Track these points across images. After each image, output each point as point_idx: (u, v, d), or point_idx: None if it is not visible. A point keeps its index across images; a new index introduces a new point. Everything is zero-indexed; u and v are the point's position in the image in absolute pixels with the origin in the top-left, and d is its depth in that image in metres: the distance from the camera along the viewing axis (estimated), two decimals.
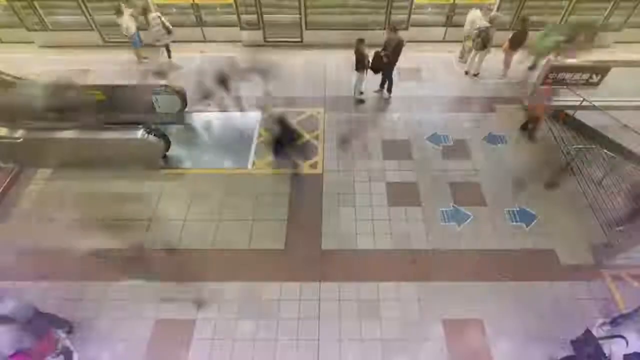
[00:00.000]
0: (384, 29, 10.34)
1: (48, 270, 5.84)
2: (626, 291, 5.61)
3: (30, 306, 4.52)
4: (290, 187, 6.94)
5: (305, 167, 7.39)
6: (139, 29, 9.64)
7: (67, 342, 4.92)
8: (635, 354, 3.85)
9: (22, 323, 4.32)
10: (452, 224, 6.48)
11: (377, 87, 9.18)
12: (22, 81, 7.69)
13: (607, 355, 4.10)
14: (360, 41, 7.88)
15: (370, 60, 8.17)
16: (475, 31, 8.88)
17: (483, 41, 8.83)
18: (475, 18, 9.18)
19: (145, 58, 10.21)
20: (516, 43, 9.03)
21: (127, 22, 9.23)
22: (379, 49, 8.18)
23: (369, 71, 8.37)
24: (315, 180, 7.17)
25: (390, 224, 6.48)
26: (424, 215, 6.60)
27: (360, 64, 8.14)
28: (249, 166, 7.47)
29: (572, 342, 4.59)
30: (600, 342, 4.18)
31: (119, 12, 9.10)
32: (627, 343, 3.92)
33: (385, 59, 8.11)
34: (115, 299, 5.56)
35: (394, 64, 8.40)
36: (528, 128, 8.00)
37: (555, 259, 6.01)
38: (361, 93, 8.89)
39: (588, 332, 4.43)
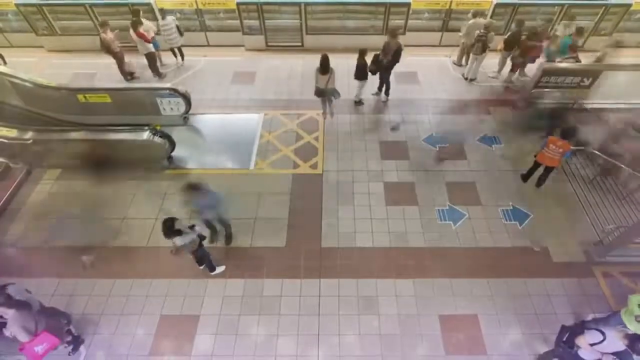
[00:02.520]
0: (383, 33, 10.37)
1: (57, 267, 5.84)
2: (616, 288, 5.61)
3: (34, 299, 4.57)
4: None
5: (305, 168, 7.40)
6: (156, 33, 9.57)
7: (72, 330, 4.98)
8: (626, 351, 3.82)
9: (35, 310, 4.40)
10: (448, 223, 6.48)
11: (375, 90, 9.16)
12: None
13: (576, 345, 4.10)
14: (363, 52, 7.86)
15: (370, 64, 8.13)
16: (475, 36, 8.93)
17: (483, 46, 8.90)
18: (473, 25, 9.24)
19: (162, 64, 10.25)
20: (511, 44, 9.08)
21: (149, 27, 9.20)
22: (378, 53, 8.15)
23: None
24: (315, 180, 7.17)
25: (388, 222, 6.47)
26: (420, 214, 6.60)
27: (361, 73, 8.12)
28: (251, 166, 7.47)
29: (563, 327, 4.59)
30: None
31: (138, 23, 8.85)
32: (603, 338, 3.87)
33: (385, 62, 8.12)
34: (122, 295, 5.56)
35: (392, 68, 8.40)
36: (537, 176, 6.88)
37: (548, 257, 6.01)
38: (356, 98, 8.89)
39: (581, 323, 4.43)
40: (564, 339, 4.37)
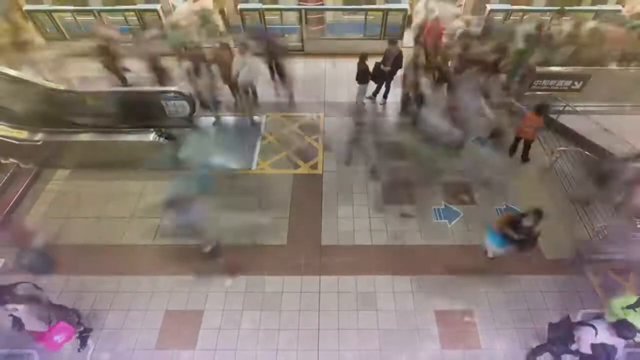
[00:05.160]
0: (380, 38, 10.37)
1: (65, 265, 5.85)
2: (606, 285, 5.62)
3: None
4: None
5: (305, 168, 7.40)
6: None
7: (85, 324, 5.01)
8: (602, 344, 3.84)
9: (44, 304, 4.41)
10: (443, 221, 6.48)
11: (369, 94, 9.08)
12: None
13: (575, 340, 4.11)
14: (364, 57, 7.84)
15: (371, 71, 8.12)
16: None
17: None
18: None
19: None
20: None
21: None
22: (379, 62, 8.12)
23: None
24: (315, 180, 7.17)
25: (386, 221, 6.47)
26: (417, 213, 6.59)
27: (362, 77, 8.10)
28: (254, 167, 7.47)
29: (550, 324, 4.60)
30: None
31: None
32: (595, 332, 3.90)
33: (387, 72, 8.12)
34: (129, 291, 5.57)
35: (395, 74, 8.39)
36: (518, 150, 7.46)
37: (540, 254, 6.01)
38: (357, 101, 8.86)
39: (567, 318, 4.43)
40: (559, 335, 4.35)
